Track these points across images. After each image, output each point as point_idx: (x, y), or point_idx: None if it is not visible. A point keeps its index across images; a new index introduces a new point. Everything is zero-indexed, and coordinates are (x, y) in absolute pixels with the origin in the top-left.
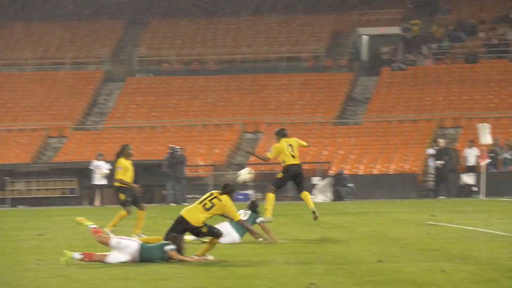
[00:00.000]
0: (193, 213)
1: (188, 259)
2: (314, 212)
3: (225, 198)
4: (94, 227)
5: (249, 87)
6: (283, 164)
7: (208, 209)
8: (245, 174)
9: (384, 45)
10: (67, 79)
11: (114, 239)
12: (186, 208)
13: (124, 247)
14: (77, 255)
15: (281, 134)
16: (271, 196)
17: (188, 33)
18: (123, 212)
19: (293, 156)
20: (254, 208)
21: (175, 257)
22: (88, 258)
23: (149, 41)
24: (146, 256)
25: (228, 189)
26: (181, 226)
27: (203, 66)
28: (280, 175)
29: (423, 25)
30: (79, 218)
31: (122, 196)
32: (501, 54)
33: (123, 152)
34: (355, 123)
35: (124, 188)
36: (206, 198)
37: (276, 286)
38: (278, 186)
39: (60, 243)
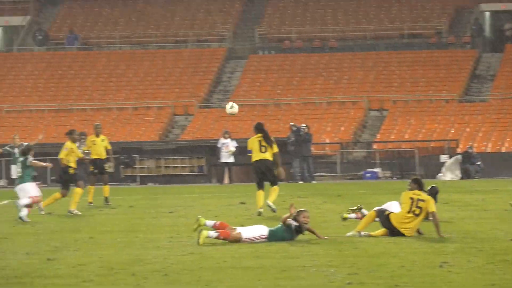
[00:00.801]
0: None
1: (320, 235)
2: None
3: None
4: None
5: (372, 65)
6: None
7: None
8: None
9: (507, 21)
10: (190, 57)
11: (243, 233)
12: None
13: (253, 235)
14: (212, 233)
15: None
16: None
17: (309, 10)
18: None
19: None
20: (434, 194)
21: (311, 230)
22: (223, 236)
23: (270, 18)
24: (274, 239)
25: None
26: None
27: (325, 43)
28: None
29: None
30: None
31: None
32: None
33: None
34: (481, 100)
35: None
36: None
37: (409, 265)
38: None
39: (191, 220)
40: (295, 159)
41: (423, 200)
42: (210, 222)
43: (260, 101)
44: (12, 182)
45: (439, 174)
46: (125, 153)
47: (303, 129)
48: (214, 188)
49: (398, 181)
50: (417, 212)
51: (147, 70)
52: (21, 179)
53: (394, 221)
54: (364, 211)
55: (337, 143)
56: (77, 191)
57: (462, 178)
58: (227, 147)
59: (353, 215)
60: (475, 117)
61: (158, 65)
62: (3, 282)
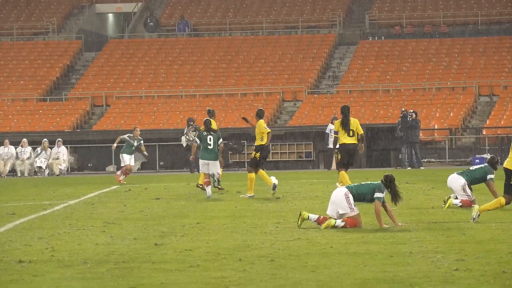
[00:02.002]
0: None
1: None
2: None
3: None
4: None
5: (483, 50)
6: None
7: None
8: None
9: None
10: (299, 43)
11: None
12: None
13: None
14: (312, 216)
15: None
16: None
17: None
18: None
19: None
20: (494, 164)
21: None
22: (349, 225)
23: (380, 3)
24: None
25: None
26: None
27: (436, 29)
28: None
29: None
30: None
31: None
32: None
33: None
34: None
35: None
36: None
37: None
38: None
39: (299, 206)
40: (403, 145)
41: None
42: (313, 216)
43: (369, 87)
44: (119, 169)
45: None
46: (233, 139)
47: (410, 115)
48: (322, 174)
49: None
50: None
51: (256, 56)
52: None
53: None
54: (454, 200)
55: (446, 129)
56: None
57: None
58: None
59: (457, 201)
60: None
61: (267, 51)
62: (111, 266)
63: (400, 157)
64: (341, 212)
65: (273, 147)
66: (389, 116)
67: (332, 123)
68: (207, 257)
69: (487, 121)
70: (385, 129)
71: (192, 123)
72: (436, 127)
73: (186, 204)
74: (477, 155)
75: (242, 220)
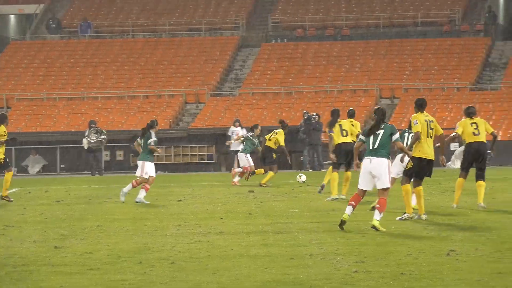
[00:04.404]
0: None
1: None
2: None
3: None
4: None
5: (384, 53)
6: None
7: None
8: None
9: None
10: (202, 45)
11: None
12: None
13: None
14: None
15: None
16: None
17: None
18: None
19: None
20: None
21: None
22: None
23: (283, 6)
24: None
25: None
26: None
27: (338, 31)
28: None
29: None
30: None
31: None
32: None
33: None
34: (493, 89)
35: None
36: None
37: (416, 253)
38: None
39: (200, 209)
40: (305, 147)
41: None
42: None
43: (272, 89)
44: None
45: (449, 162)
46: (134, 141)
47: (314, 117)
48: (224, 177)
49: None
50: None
51: (159, 58)
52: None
53: None
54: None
55: None
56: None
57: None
58: (237, 135)
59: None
60: (486, 105)
61: (170, 54)
62: (10, 270)
63: (301, 159)
64: (380, 187)
65: (175, 150)
66: (291, 118)
67: (234, 125)
68: (107, 260)
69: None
70: (288, 131)
71: (93, 125)
72: None
73: (87, 207)
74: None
75: (143, 223)
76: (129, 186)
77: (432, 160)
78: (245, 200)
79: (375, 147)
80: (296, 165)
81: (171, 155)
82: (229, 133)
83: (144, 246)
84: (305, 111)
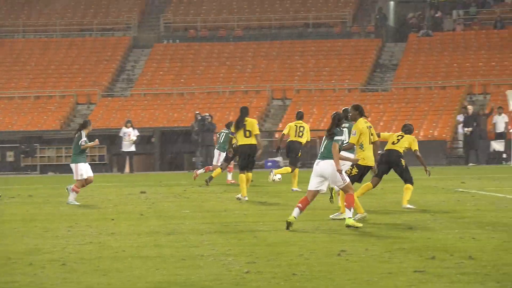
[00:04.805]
0: None
1: None
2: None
3: None
4: None
5: (276, 54)
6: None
7: None
8: None
9: (411, 11)
10: (94, 45)
11: None
12: None
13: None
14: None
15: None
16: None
17: None
18: None
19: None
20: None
21: None
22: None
23: (175, 7)
24: None
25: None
26: None
27: (230, 32)
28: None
29: None
30: None
31: None
32: None
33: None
34: (383, 90)
35: None
36: None
37: (307, 254)
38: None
39: (91, 210)
40: (198, 148)
41: None
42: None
43: (164, 90)
44: None
45: None
46: (25, 142)
47: (207, 118)
48: (115, 177)
49: (301, 170)
50: None
51: (50, 58)
52: None
53: None
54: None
55: None
56: None
57: None
58: (129, 136)
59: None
60: (377, 106)
61: (61, 54)
62: None
63: (194, 160)
64: (336, 187)
65: (66, 150)
66: (183, 119)
67: (126, 126)
68: None
69: (280, 124)
70: (179, 132)
71: None
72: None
73: None
74: (269, 158)
75: (33, 224)
76: (72, 195)
77: (372, 166)
78: (137, 201)
79: (323, 150)
80: (188, 166)
81: (62, 156)
82: (121, 134)
83: (34, 248)
84: (197, 112)
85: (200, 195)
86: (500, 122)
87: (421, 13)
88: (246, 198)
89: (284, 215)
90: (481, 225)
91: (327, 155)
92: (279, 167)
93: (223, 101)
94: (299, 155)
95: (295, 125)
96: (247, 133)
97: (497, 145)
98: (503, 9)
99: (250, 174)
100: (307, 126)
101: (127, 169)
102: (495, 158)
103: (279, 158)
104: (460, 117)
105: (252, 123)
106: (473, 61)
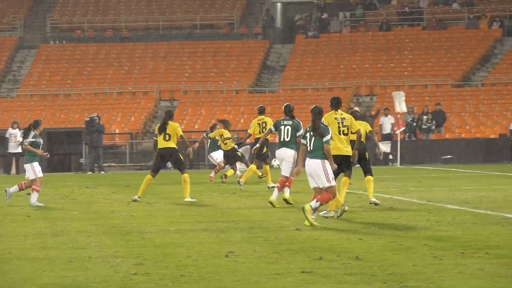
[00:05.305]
0: None
1: None
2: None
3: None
4: None
5: (164, 55)
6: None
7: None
8: None
9: (298, 12)
10: None
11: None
12: None
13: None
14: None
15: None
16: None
17: (102, 0)
18: None
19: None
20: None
21: None
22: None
23: (62, 7)
24: None
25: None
26: None
27: (117, 33)
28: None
29: None
30: None
31: None
32: (414, 22)
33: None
34: (271, 91)
35: None
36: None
37: (195, 255)
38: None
39: None
40: (86, 149)
41: None
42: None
43: (50, 91)
44: None
45: (227, 165)
46: None
47: (95, 119)
48: (1, 179)
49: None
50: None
51: None
52: None
53: None
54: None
55: (127, 133)
56: None
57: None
58: (15, 138)
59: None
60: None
61: None
62: None
63: (81, 161)
64: (321, 186)
65: None
66: (70, 120)
67: (12, 127)
68: None
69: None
70: (66, 133)
71: None
72: (117, 132)
73: None
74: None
75: None
76: (15, 188)
77: (348, 155)
78: (24, 203)
79: (311, 148)
80: (75, 167)
81: None
82: (7, 135)
83: None
84: (88, 115)
85: (88, 196)
86: (386, 123)
87: (308, 14)
88: (138, 199)
89: (171, 216)
90: (367, 225)
91: (315, 154)
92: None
93: (110, 102)
94: (264, 150)
95: (258, 122)
96: (167, 136)
97: (384, 146)
98: (389, 11)
99: (185, 175)
100: (269, 120)
101: (13, 170)
102: (381, 159)
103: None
104: None
105: (173, 126)
106: (359, 63)
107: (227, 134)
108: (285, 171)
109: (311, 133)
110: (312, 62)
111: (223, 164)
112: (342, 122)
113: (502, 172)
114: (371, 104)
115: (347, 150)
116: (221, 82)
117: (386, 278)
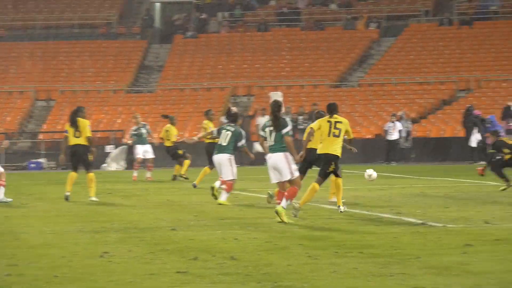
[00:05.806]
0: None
1: None
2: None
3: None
4: None
5: (41, 55)
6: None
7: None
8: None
9: (177, 13)
10: None
11: None
12: None
13: None
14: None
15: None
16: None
17: None
18: None
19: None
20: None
21: None
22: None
23: None
24: None
25: None
26: None
27: None
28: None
29: None
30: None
31: None
32: (292, 22)
33: None
34: (149, 91)
35: None
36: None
37: (70, 255)
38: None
39: None
40: None
41: None
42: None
43: None
44: None
45: (104, 164)
46: None
47: None
48: None
49: (63, 172)
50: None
51: None
52: None
53: None
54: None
55: (3, 133)
56: None
57: (126, 168)
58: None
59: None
60: (143, 108)
61: None
62: None
63: None
64: (284, 179)
65: None
66: None
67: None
68: None
69: (44, 125)
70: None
71: None
72: None
73: None
74: (32, 160)
75: None
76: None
77: (336, 155)
78: None
79: (272, 143)
80: None
81: None
82: None
83: None
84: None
85: None
86: (263, 123)
87: (187, 14)
88: (68, 194)
89: (46, 216)
90: (243, 225)
91: (276, 147)
92: (42, 168)
93: None
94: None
95: (203, 127)
96: (77, 133)
97: (260, 147)
98: (267, 11)
99: (91, 175)
100: (211, 124)
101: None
102: (259, 159)
103: (42, 160)
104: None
105: (84, 124)
106: (237, 63)
107: (174, 130)
108: (225, 175)
109: (271, 128)
110: (190, 62)
111: (140, 159)
112: (335, 125)
113: (377, 172)
114: (249, 104)
115: (335, 149)
116: (98, 82)
117: (261, 277)
